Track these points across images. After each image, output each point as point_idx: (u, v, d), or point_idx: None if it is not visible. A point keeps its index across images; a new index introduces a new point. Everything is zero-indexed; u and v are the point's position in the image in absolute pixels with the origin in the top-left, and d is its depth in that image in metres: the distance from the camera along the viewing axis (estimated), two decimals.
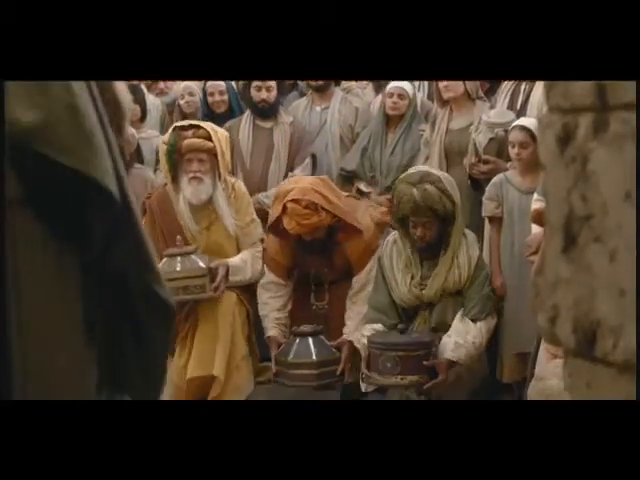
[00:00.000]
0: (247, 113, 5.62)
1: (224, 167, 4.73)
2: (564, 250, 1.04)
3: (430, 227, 4.38)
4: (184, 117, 6.12)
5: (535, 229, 3.96)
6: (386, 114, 5.40)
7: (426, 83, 5.98)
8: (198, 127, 4.70)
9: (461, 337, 4.40)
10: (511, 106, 4.99)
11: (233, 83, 6.07)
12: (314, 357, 4.62)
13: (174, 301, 1.53)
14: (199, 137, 4.66)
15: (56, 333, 1.36)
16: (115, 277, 1.42)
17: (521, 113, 4.83)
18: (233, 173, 5.51)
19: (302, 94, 6.20)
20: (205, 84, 5.97)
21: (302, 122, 5.67)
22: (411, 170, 4.50)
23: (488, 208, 4.68)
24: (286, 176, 5.48)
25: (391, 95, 5.38)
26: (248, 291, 4.90)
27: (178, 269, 4.57)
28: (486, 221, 4.78)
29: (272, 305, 4.85)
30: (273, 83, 5.52)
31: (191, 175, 4.65)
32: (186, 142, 4.63)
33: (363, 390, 4.55)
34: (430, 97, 5.81)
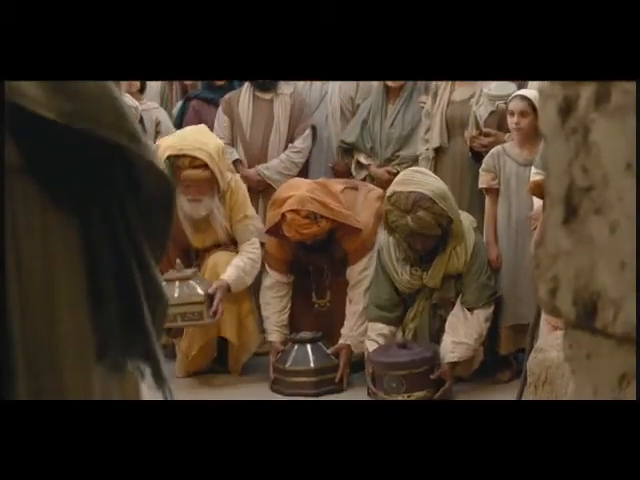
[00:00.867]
0: (247, 84, 5.59)
1: (223, 182, 4.70)
2: (565, 222, 1.04)
3: (428, 241, 4.36)
4: (184, 89, 6.10)
5: (537, 202, 3.96)
6: (386, 85, 5.37)
7: None
8: (193, 157, 4.58)
9: (457, 335, 4.41)
10: None
11: None
12: (312, 364, 4.62)
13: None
14: (195, 167, 4.58)
15: (58, 299, 1.37)
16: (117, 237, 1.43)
17: (522, 85, 4.81)
18: (233, 145, 5.50)
19: None
20: None
21: (302, 93, 5.65)
22: (399, 187, 4.33)
23: (484, 179, 4.67)
24: (286, 147, 5.47)
25: None
26: None
27: (176, 295, 4.50)
28: None
29: (274, 306, 4.83)
30: None
31: (190, 197, 4.65)
32: (184, 174, 4.59)
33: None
34: None
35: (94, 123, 1.32)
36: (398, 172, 5.18)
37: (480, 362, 4.63)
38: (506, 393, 4.24)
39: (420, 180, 4.35)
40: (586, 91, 1.00)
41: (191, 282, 4.56)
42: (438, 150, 5.10)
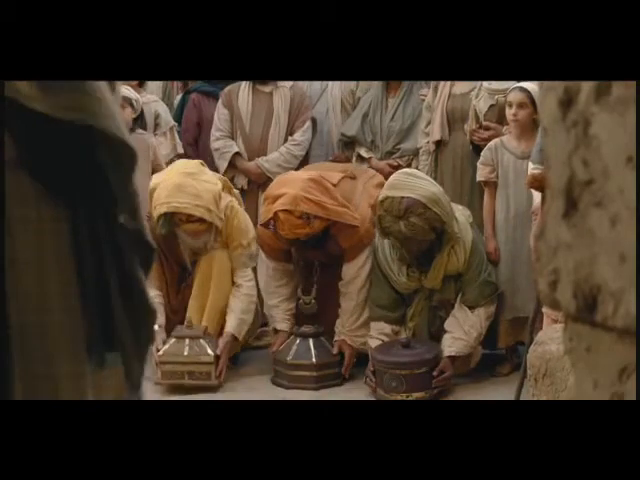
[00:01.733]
0: None
1: (221, 223, 4.69)
2: (565, 215, 1.03)
3: (422, 243, 4.33)
4: (185, 82, 6.09)
5: (537, 197, 3.96)
6: None
7: None
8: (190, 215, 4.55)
9: (457, 331, 4.41)
10: None
11: None
12: (314, 359, 4.61)
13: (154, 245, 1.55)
14: (193, 221, 4.58)
15: (49, 290, 1.38)
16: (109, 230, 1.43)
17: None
18: (233, 138, 5.49)
19: None
20: None
21: (302, 86, 5.64)
22: (391, 192, 4.28)
23: (482, 173, 4.67)
24: (286, 140, 5.46)
25: None
26: None
27: (185, 353, 4.51)
28: None
29: (282, 294, 4.80)
30: None
31: (189, 234, 4.68)
32: (183, 227, 4.61)
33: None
34: None
35: (84, 114, 1.33)
36: (399, 165, 5.19)
37: (477, 362, 4.63)
38: (505, 386, 4.25)
39: (413, 185, 4.28)
40: (587, 84, 1.00)
41: (201, 341, 4.57)
42: (439, 143, 5.10)
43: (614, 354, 1.01)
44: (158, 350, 4.47)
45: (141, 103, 5.38)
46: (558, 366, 2.89)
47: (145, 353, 1.57)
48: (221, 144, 5.51)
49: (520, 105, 4.47)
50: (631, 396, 1.00)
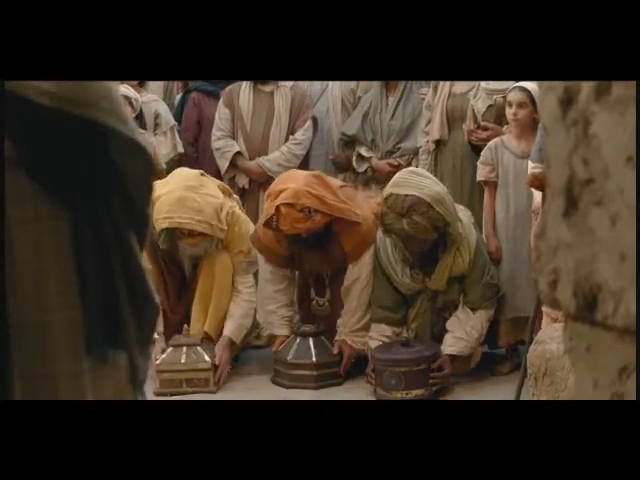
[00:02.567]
0: None
1: (222, 234, 4.69)
2: (565, 214, 1.04)
3: (424, 243, 4.32)
4: (185, 82, 6.09)
5: (537, 196, 3.96)
6: None
7: None
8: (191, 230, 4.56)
9: (459, 331, 4.41)
10: None
11: None
12: (314, 358, 4.60)
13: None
14: (195, 235, 4.59)
15: (49, 288, 1.38)
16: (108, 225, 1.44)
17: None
18: (234, 137, 5.49)
19: None
20: None
21: (303, 85, 5.64)
22: (395, 190, 4.26)
23: (482, 172, 4.67)
24: (287, 139, 5.46)
25: None
26: None
27: (183, 361, 4.51)
28: None
29: (279, 300, 4.79)
30: None
31: (190, 245, 4.69)
32: (185, 241, 4.62)
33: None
34: None
35: (83, 106, 1.33)
36: (400, 164, 5.18)
37: (477, 362, 4.63)
38: (505, 385, 4.25)
39: (417, 183, 4.27)
40: (587, 84, 1.00)
41: (199, 349, 4.58)
42: (438, 142, 5.10)
43: (614, 353, 1.01)
44: (156, 359, 4.47)
45: (140, 102, 5.38)
46: (558, 365, 2.89)
47: (149, 348, 1.57)
48: (222, 144, 5.51)
49: (520, 104, 4.47)
50: (631, 396, 1.00)
